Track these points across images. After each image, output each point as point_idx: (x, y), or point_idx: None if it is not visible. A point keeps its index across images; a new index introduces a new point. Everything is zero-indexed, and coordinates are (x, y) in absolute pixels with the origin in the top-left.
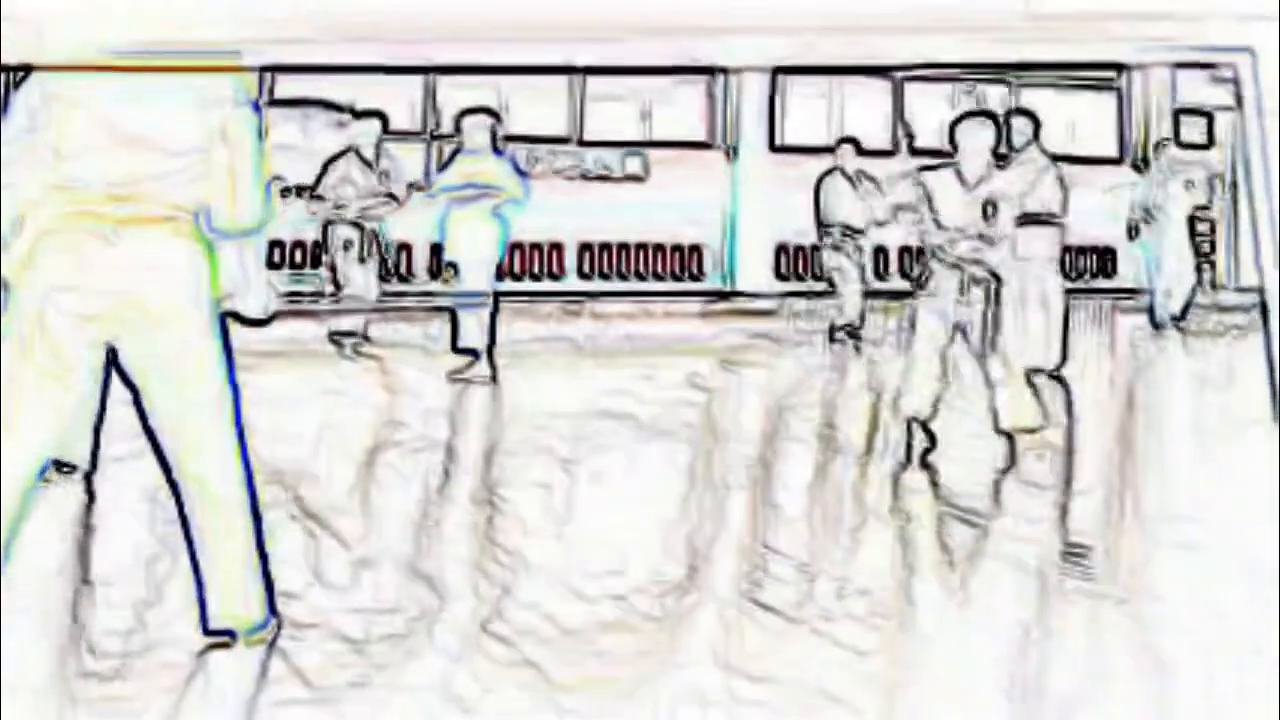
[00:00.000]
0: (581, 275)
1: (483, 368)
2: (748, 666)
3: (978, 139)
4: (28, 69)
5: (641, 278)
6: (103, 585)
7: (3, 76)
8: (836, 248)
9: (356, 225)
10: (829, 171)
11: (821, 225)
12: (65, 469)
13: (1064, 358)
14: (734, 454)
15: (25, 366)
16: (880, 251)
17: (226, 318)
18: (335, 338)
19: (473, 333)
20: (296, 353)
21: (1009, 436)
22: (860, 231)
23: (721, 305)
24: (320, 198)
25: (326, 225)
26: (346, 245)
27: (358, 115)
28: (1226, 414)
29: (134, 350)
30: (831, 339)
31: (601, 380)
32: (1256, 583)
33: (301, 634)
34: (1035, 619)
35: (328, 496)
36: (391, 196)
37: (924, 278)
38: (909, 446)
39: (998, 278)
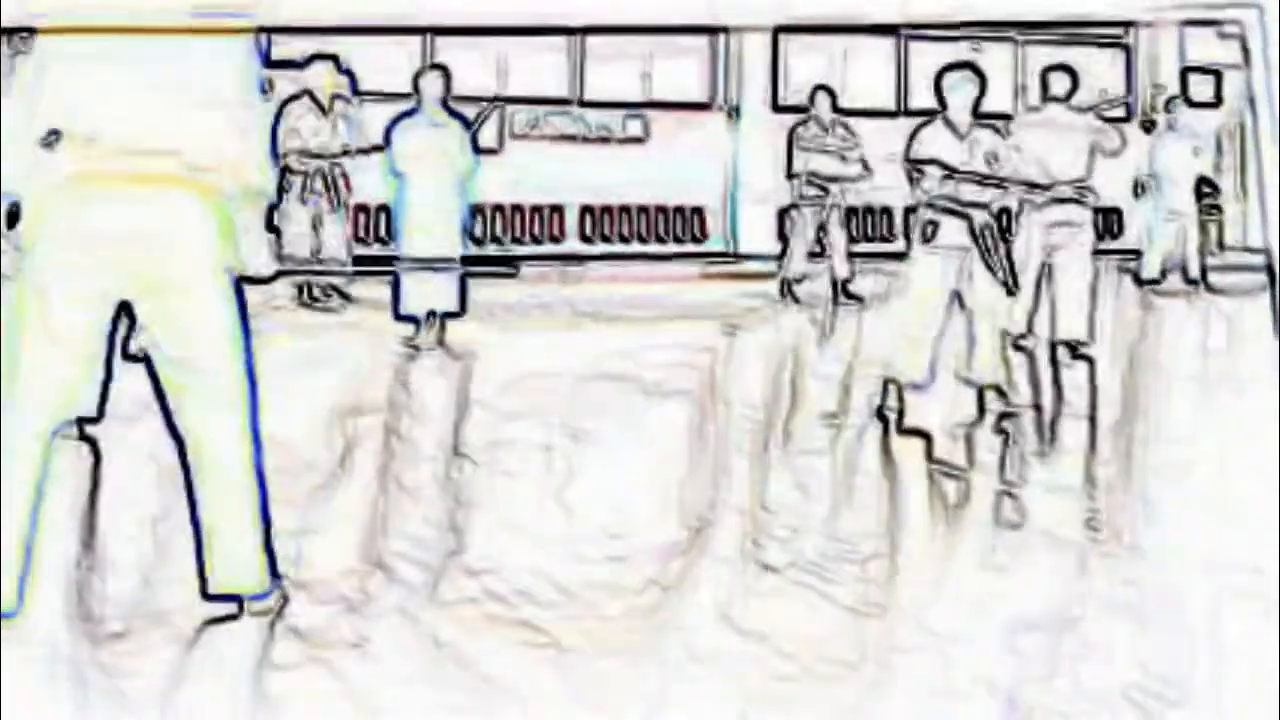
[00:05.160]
0: (582, 238)
1: (427, 335)
2: (751, 627)
3: (965, 91)
4: (30, 31)
5: (643, 240)
6: (107, 548)
7: (2, 40)
8: (802, 197)
9: (320, 174)
10: (802, 121)
11: (792, 176)
12: (84, 425)
13: (1091, 333)
14: (736, 416)
15: (37, 324)
16: (883, 212)
17: (241, 282)
18: (312, 296)
19: (418, 298)
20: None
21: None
22: (832, 180)
23: (723, 267)
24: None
25: (284, 172)
26: (304, 194)
27: (309, 62)
28: (1232, 373)
29: (147, 309)
30: (784, 292)
31: (602, 343)
32: (1259, 540)
33: (298, 595)
34: (1035, 575)
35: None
36: (347, 151)
37: (929, 232)
38: (881, 409)
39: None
